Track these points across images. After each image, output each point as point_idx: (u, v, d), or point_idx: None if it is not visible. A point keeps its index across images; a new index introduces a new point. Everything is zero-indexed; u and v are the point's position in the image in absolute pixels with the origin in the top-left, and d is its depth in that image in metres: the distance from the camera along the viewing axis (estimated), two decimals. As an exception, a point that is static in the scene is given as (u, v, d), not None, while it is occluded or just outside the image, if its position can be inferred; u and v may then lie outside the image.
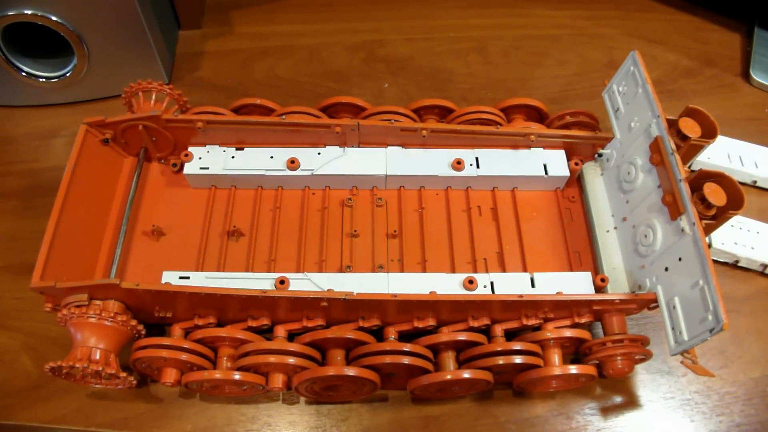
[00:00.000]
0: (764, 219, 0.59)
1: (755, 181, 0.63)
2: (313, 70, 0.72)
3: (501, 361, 0.44)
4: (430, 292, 0.45)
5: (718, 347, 0.53)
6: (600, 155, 0.54)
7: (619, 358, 0.46)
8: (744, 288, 0.57)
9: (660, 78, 0.74)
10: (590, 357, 0.47)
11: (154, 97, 0.54)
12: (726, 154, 0.64)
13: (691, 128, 0.46)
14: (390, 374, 0.46)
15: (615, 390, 0.50)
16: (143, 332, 0.45)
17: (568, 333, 0.45)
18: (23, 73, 0.62)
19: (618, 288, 0.48)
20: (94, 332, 0.42)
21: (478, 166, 0.54)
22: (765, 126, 0.69)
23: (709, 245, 0.57)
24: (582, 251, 0.52)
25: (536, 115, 0.58)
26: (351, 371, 0.42)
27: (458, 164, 0.53)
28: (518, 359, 0.44)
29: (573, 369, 0.45)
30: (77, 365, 0.41)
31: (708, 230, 0.43)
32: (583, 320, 0.47)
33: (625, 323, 0.47)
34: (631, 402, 0.50)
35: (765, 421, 0.49)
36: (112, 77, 0.64)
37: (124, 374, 0.43)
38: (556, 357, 0.46)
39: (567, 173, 0.54)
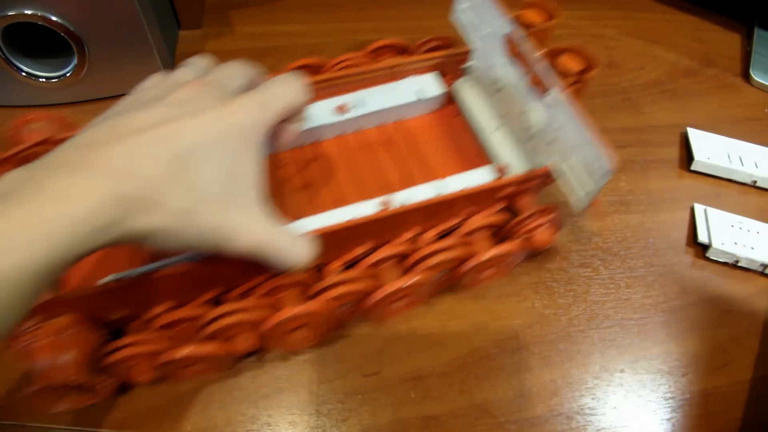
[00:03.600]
0: (764, 219, 0.59)
1: (755, 181, 0.63)
2: (313, 70, 0.72)
3: (438, 260, 0.48)
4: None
5: (718, 347, 0.53)
6: (466, 68, 0.58)
7: (538, 230, 0.51)
8: (744, 288, 0.57)
9: (660, 78, 0.74)
10: (513, 237, 0.52)
11: (41, 124, 0.52)
12: (726, 154, 0.64)
13: (532, 17, 0.57)
14: (344, 305, 0.48)
15: (615, 390, 0.51)
16: (106, 337, 0.44)
17: (486, 220, 0.51)
18: (23, 73, 0.62)
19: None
20: (54, 351, 0.41)
21: (362, 107, 0.57)
22: (765, 126, 0.69)
23: (709, 245, 0.57)
24: (478, 156, 0.56)
25: (403, 51, 0.63)
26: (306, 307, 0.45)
27: (340, 109, 0.56)
28: (451, 254, 0.48)
29: (498, 249, 0.50)
30: (51, 383, 0.40)
31: (578, 94, 0.51)
32: (497, 209, 0.52)
33: (534, 201, 0.52)
34: (632, 402, 0.50)
35: (765, 423, 0.49)
36: (112, 77, 0.64)
37: (100, 378, 0.42)
38: (484, 245, 0.51)
39: (442, 91, 0.58)
